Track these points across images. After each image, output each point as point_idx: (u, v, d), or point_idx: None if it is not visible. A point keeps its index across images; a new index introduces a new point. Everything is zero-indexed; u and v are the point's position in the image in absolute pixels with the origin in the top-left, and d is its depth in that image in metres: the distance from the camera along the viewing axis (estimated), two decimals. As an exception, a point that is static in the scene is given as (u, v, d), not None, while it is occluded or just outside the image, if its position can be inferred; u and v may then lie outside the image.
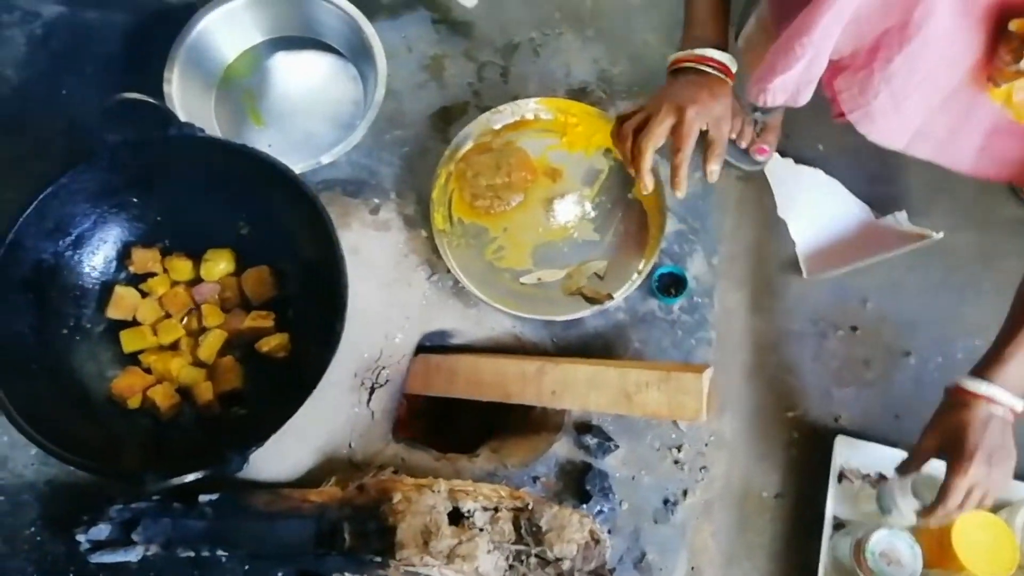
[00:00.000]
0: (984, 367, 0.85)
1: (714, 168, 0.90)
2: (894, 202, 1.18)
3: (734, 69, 0.91)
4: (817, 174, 1.18)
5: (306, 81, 1.17)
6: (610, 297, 1.05)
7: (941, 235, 1.08)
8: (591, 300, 1.06)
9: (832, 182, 1.19)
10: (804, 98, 0.82)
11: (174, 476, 0.80)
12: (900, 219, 1.13)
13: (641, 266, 1.07)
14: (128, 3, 1.17)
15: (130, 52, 1.17)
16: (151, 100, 0.90)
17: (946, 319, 1.17)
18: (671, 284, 1.09)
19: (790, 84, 0.80)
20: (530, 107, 1.12)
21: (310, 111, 1.16)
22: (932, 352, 1.16)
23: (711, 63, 0.88)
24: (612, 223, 1.10)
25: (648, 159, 0.88)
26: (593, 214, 1.11)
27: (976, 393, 0.84)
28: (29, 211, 0.87)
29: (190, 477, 0.80)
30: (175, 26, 1.11)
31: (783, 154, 1.18)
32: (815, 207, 1.18)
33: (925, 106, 0.80)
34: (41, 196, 0.87)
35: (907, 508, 0.94)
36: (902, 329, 1.16)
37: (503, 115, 1.12)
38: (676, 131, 0.86)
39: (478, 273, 1.07)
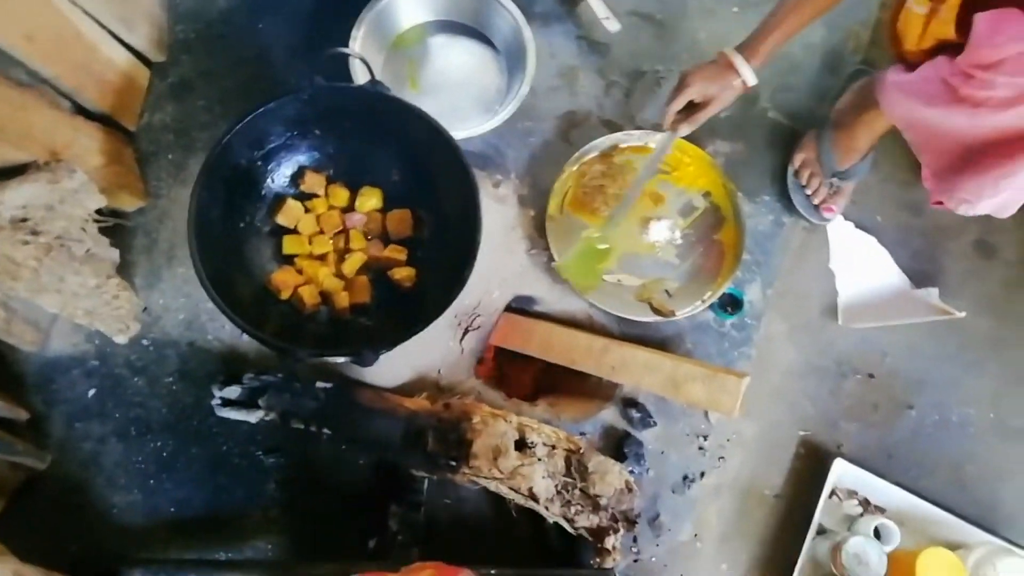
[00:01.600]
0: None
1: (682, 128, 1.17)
2: (930, 278, 1.36)
3: (747, 79, 1.12)
4: (871, 241, 1.36)
5: (461, 62, 1.36)
6: (673, 314, 1.24)
7: (963, 315, 1.27)
8: (656, 311, 1.25)
9: (881, 251, 1.36)
10: (1009, 212, 0.98)
11: (323, 354, 1.00)
12: (932, 294, 1.31)
13: (707, 296, 1.25)
14: (330, -37, 1.37)
15: (322, 5, 1.37)
16: (362, 58, 1.10)
17: (949, 386, 1.35)
18: (729, 303, 1.29)
19: (996, 205, 0.96)
20: (656, 138, 1.29)
21: (460, 88, 1.35)
22: (931, 411, 1.34)
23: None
24: (693, 254, 1.29)
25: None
26: (680, 241, 1.30)
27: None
28: (243, 123, 1.05)
29: (336, 358, 1.00)
30: (364, -7, 1.31)
31: (846, 217, 1.36)
32: (862, 268, 1.35)
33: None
34: (253, 113, 1.06)
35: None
36: (911, 385, 1.34)
37: (631, 138, 1.31)
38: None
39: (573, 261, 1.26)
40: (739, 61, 1.11)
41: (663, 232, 1.29)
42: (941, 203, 1.01)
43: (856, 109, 1.26)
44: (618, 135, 1.30)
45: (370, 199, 1.17)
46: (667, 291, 1.27)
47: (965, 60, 0.89)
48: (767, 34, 1.10)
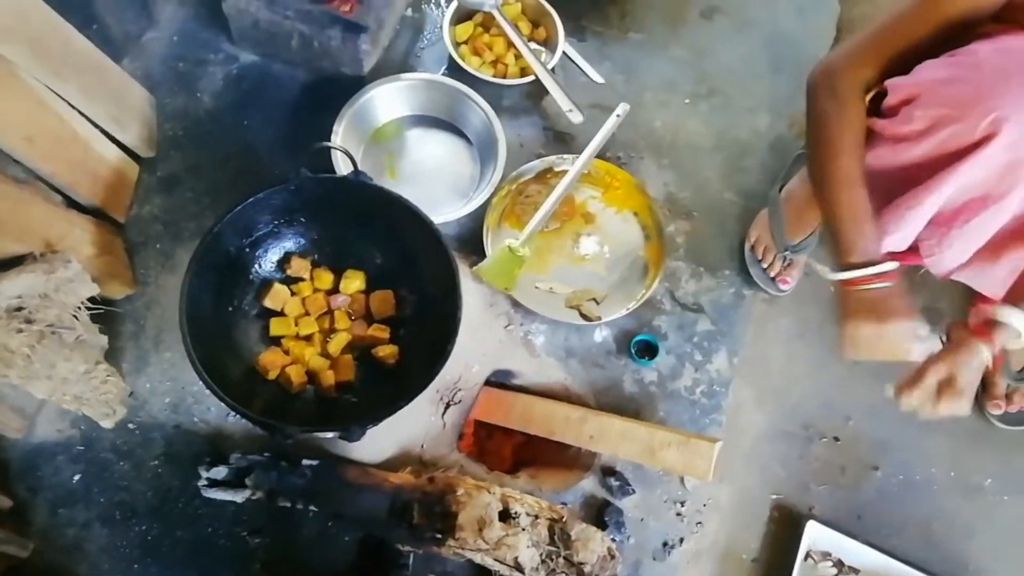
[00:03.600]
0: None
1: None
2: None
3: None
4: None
5: (437, 153, 1.45)
6: (599, 319, 1.34)
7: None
8: (584, 317, 1.36)
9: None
10: (906, 244, 1.01)
11: (311, 431, 1.03)
12: None
13: (630, 306, 1.35)
14: (310, 66, 1.46)
15: (302, 101, 1.46)
16: (346, 151, 1.17)
17: (911, 447, 1.41)
18: (645, 349, 1.36)
19: (898, 240, 1.00)
20: (586, 163, 1.43)
21: (435, 177, 1.43)
22: (896, 470, 1.39)
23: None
24: (619, 269, 1.42)
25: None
26: (608, 256, 1.42)
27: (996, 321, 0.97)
28: (233, 212, 1.11)
29: (326, 433, 1.03)
30: (344, 90, 1.40)
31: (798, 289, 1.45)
32: None
33: (980, 249, 0.99)
34: (243, 203, 1.12)
35: None
36: (875, 447, 1.40)
37: (565, 162, 1.45)
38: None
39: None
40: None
41: (592, 247, 1.43)
42: None
43: (802, 188, 1.36)
44: (551, 158, 1.46)
45: (354, 281, 1.22)
46: (595, 299, 1.38)
47: (888, 100, 0.94)
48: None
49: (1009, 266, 1.02)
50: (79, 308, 1.11)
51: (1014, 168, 0.88)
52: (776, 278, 1.41)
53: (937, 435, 1.42)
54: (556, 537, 1.12)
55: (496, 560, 1.10)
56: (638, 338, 1.35)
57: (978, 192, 0.92)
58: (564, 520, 1.13)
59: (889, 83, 0.96)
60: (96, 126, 1.25)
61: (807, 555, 1.29)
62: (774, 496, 1.35)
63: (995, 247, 1.00)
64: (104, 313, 1.16)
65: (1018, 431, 1.43)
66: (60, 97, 1.17)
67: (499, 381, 1.34)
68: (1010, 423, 1.43)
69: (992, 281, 1.05)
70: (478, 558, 1.10)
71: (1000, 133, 0.83)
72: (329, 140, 1.33)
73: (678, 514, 1.28)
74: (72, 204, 1.21)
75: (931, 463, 1.41)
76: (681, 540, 1.26)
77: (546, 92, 1.49)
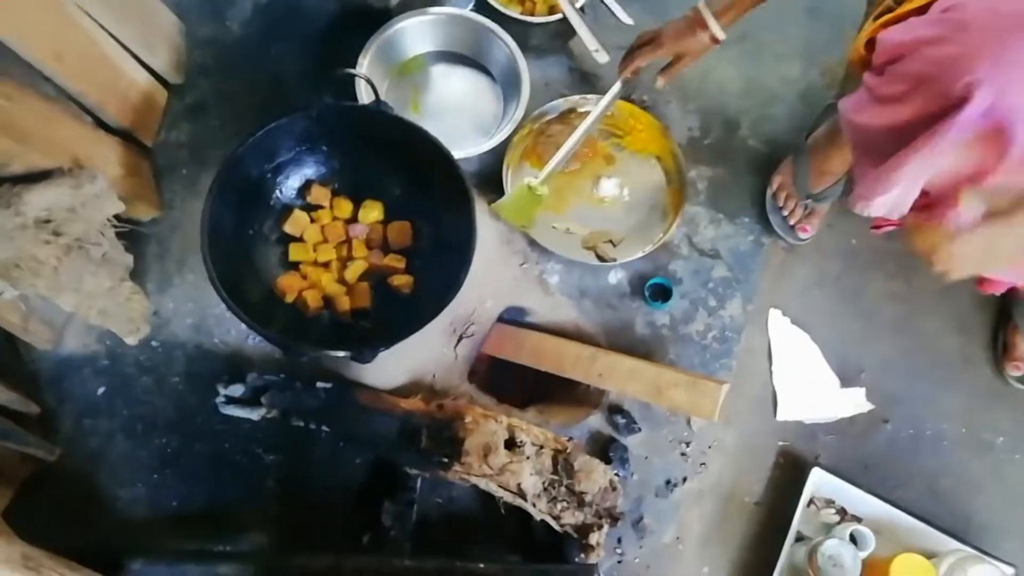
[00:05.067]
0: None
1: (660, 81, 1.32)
2: (908, 300, 1.45)
3: (716, 33, 1.21)
4: (805, 338, 1.41)
5: (460, 89, 1.45)
6: (614, 260, 1.35)
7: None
8: (600, 258, 1.36)
9: (813, 347, 1.41)
10: (900, 213, 0.97)
11: (325, 350, 1.06)
12: (858, 393, 1.40)
13: (647, 249, 1.35)
14: (338, -3, 1.47)
15: (329, 33, 1.46)
16: (368, 79, 1.18)
17: (923, 401, 1.41)
18: (659, 293, 1.36)
19: (888, 203, 0.96)
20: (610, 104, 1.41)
21: (458, 113, 1.43)
22: (906, 425, 1.39)
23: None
24: (638, 212, 1.42)
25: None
26: (627, 199, 1.42)
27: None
28: (255, 137, 1.12)
29: (337, 353, 1.06)
30: (370, 23, 1.39)
31: (818, 238, 1.44)
32: (796, 363, 1.40)
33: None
34: (265, 129, 1.13)
35: None
36: (886, 400, 1.40)
37: (588, 103, 1.44)
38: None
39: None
40: (708, 16, 1.20)
41: (612, 189, 1.43)
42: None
43: (829, 137, 1.34)
44: (575, 98, 1.44)
45: (372, 211, 1.24)
46: (611, 241, 1.39)
47: (876, 57, 0.92)
48: None
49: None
50: (105, 225, 1.15)
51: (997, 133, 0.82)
52: (796, 226, 1.40)
53: (952, 391, 1.42)
54: (559, 467, 1.15)
55: (500, 486, 1.13)
56: (652, 281, 1.36)
57: (968, 169, 0.87)
58: (568, 451, 1.16)
59: (879, 37, 0.93)
60: (126, 49, 1.27)
61: (810, 501, 1.31)
62: (781, 443, 1.36)
63: None
64: (130, 233, 1.19)
65: None
66: (91, 17, 1.18)
67: (512, 318, 1.36)
68: None
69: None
70: (482, 484, 1.13)
71: (972, 97, 0.79)
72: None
73: (683, 454, 1.30)
74: (101, 125, 1.24)
75: (943, 419, 1.40)
76: (684, 479, 1.28)
77: (573, 32, 1.47)
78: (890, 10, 0.97)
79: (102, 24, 1.20)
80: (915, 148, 0.87)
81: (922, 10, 0.90)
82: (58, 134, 1.12)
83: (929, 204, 0.95)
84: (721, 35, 1.21)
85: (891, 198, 0.95)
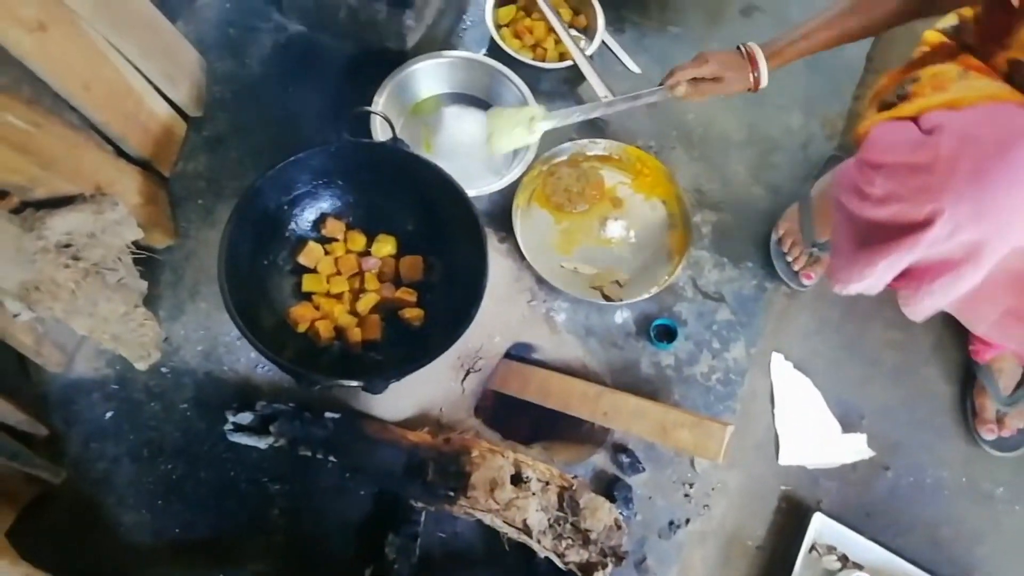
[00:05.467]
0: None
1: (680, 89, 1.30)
2: (907, 350, 1.47)
3: (762, 77, 1.25)
4: (807, 383, 1.43)
5: (472, 130, 1.47)
6: (620, 300, 1.37)
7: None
8: (607, 298, 1.39)
9: (815, 393, 1.43)
10: (875, 291, 1.09)
11: (337, 379, 1.07)
12: (860, 439, 1.41)
13: (653, 290, 1.38)
14: (355, 39, 1.50)
15: (345, 72, 1.50)
16: (386, 117, 1.21)
17: (923, 449, 1.42)
18: (664, 333, 1.38)
19: (862, 288, 1.08)
20: (616, 149, 1.49)
21: (470, 153, 1.46)
22: (907, 472, 1.40)
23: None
24: (644, 254, 1.45)
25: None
26: (633, 241, 1.45)
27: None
28: (274, 170, 1.15)
29: (350, 382, 1.07)
30: (387, 64, 1.44)
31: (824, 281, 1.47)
32: (797, 408, 1.42)
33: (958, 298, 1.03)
34: (285, 162, 1.16)
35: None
36: (887, 447, 1.41)
37: (596, 147, 1.49)
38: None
39: (534, 247, 1.39)
40: (760, 57, 1.23)
41: (619, 231, 1.46)
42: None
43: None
44: (583, 142, 1.49)
45: (385, 245, 1.26)
46: (618, 282, 1.41)
47: (859, 155, 1.02)
48: (793, 43, 1.22)
49: (994, 308, 1.07)
50: (123, 251, 1.17)
51: (968, 247, 0.92)
52: (800, 272, 1.43)
53: (951, 440, 1.43)
54: (565, 504, 1.15)
55: (505, 521, 1.13)
56: (658, 322, 1.37)
57: (937, 258, 0.97)
58: (574, 488, 1.16)
59: (871, 132, 1.02)
60: (149, 82, 1.30)
61: (812, 547, 1.31)
62: (783, 487, 1.37)
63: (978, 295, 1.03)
64: (145, 260, 1.21)
65: (1014, 456, 1.41)
66: (118, 51, 1.22)
67: (519, 354, 1.37)
68: (1004, 449, 1.41)
69: (979, 319, 1.11)
70: (488, 519, 1.14)
71: (935, 224, 0.90)
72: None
73: (686, 495, 1.30)
74: (122, 154, 1.26)
75: (943, 467, 1.41)
76: (687, 521, 1.28)
77: (583, 78, 1.52)
78: (890, 106, 1.05)
79: (128, 58, 1.24)
80: (886, 252, 0.99)
81: (915, 117, 0.98)
82: (82, 161, 1.15)
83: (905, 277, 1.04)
84: (765, 81, 1.24)
85: (864, 285, 1.08)
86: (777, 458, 1.37)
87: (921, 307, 1.06)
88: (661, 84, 1.32)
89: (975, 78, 0.99)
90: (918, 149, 0.94)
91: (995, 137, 0.87)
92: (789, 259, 1.43)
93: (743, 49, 1.25)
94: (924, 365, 1.46)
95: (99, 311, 1.13)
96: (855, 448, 1.40)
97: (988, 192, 0.86)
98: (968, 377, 1.46)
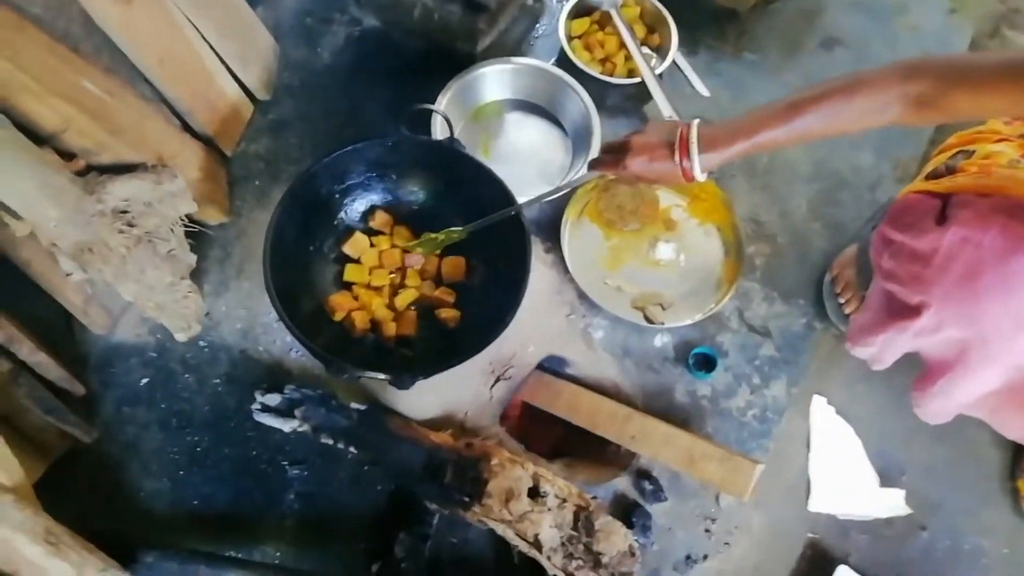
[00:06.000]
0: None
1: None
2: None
3: (696, 174, 0.97)
4: (848, 431, 1.38)
5: (531, 138, 1.49)
6: (662, 323, 1.34)
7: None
8: (648, 319, 1.35)
9: (856, 441, 1.37)
10: (877, 367, 1.16)
11: (367, 371, 1.07)
12: (898, 495, 1.35)
13: (697, 317, 1.34)
14: (427, 38, 1.50)
15: (413, 70, 1.52)
16: (446, 116, 1.22)
17: (964, 514, 1.35)
18: (703, 363, 1.34)
19: (868, 355, 1.14)
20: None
21: (526, 160, 1.46)
22: (944, 535, 1.33)
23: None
24: (692, 279, 1.41)
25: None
26: (683, 264, 1.42)
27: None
28: (330, 157, 1.18)
29: (378, 375, 1.07)
30: (453, 66, 1.44)
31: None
32: (836, 455, 1.36)
33: (976, 395, 1.03)
34: (341, 150, 1.18)
35: None
36: (926, 506, 1.34)
37: None
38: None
39: (579, 261, 1.37)
40: (694, 151, 0.94)
41: (669, 253, 1.43)
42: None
43: (853, 264, 1.35)
44: None
45: (430, 243, 1.26)
46: (661, 305, 1.38)
47: (882, 222, 1.06)
48: (746, 133, 0.92)
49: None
50: (176, 223, 1.19)
51: (957, 347, 0.96)
52: (851, 316, 1.37)
53: (995, 507, 1.36)
54: (580, 524, 1.12)
55: (517, 534, 1.11)
56: (698, 350, 1.34)
57: (936, 356, 1.01)
58: (591, 509, 1.14)
59: (900, 198, 1.07)
60: (223, 62, 1.34)
61: (835, 601, 1.25)
62: (810, 534, 1.31)
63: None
64: (197, 235, 1.24)
65: None
66: (196, 29, 1.25)
67: (551, 367, 1.35)
68: None
69: (1009, 428, 1.10)
70: (500, 529, 1.12)
71: (923, 315, 0.96)
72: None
73: (707, 530, 1.26)
74: (187, 129, 1.30)
75: (984, 534, 1.34)
76: (705, 556, 1.25)
77: (649, 97, 1.49)
78: (934, 176, 1.06)
79: (205, 37, 1.27)
80: (884, 326, 1.05)
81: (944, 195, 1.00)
82: (148, 132, 1.18)
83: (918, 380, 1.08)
84: (701, 177, 0.97)
85: (867, 353, 1.14)
86: (807, 504, 1.32)
87: (930, 409, 1.09)
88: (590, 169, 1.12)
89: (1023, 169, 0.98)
90: (924, 236, 0.96)
91: (999, 244, 0.88)
92: (841, 301, 1.38)
93: (678, 131, 0.97)
94: (972, 426, 1.37)
95: (146, 278, 1.16)
96: (892, 503, 1.34)
97: (974, 298, 0.89)
98: (1018, 446, 1.38)
